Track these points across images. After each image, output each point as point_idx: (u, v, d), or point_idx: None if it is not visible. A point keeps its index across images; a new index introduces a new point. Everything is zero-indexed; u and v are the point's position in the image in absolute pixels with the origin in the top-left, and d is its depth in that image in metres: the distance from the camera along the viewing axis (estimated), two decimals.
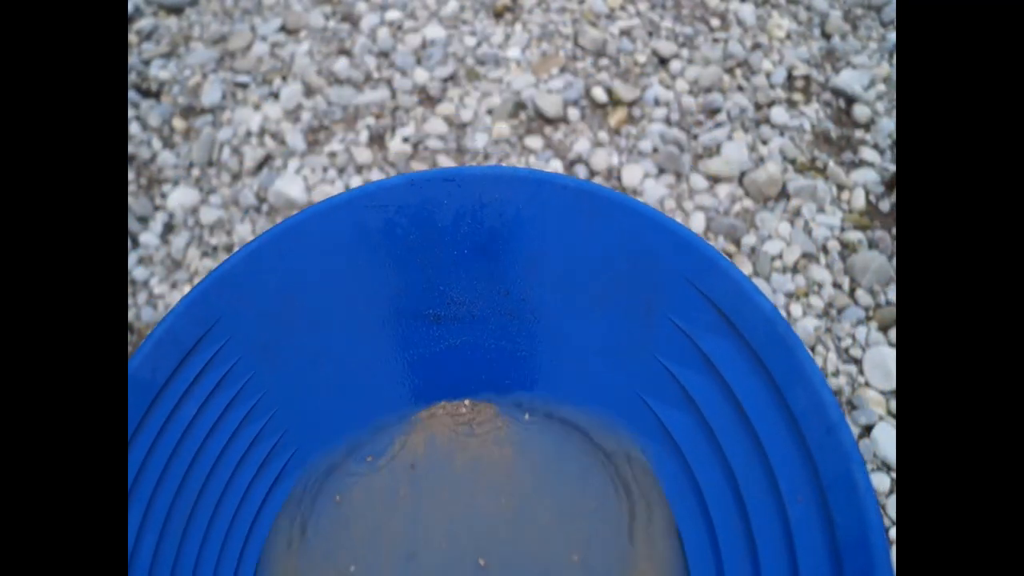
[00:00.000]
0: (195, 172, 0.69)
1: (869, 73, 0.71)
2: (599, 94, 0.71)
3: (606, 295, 0.33)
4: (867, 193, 0.63)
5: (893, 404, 0.49)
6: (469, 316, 0.35)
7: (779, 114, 0.68)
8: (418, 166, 0.68)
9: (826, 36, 0.75)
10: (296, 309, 0.33)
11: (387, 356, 0.35)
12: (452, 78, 0.73)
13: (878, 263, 0.58)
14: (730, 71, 0.72)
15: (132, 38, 0.80)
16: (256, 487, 0.33)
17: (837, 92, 0.70)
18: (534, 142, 0.67)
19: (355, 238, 0.33)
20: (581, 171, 0.66)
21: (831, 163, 0.65)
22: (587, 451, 0.34)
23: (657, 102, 0.70)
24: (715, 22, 0.77)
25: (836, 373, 0.53)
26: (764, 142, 0.67)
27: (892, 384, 0.50)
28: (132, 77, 0.76)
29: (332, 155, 0.68)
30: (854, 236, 0.60)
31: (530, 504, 0.33)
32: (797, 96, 0.70)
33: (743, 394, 0.29)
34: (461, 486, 0.34)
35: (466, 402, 0.36)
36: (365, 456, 0.35)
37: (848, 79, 0.70)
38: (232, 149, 0.70)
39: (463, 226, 0.33)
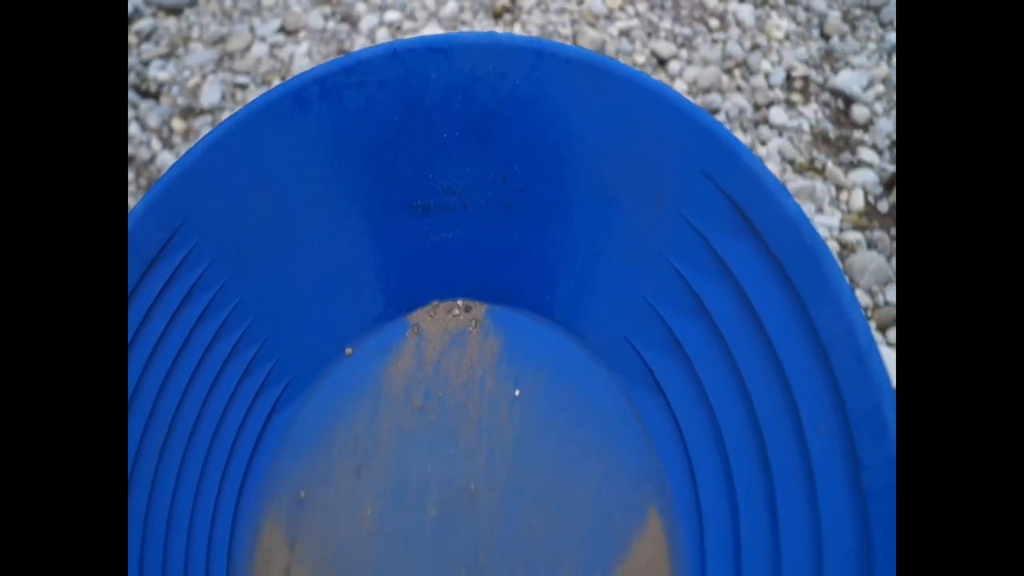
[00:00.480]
0: None
1: (868, 74, 0.71)
2: None
3: (612, 185, 0.29)
4: (866, 194, 0.63)
5: None
6: (461, 206, 0.31)
7: (778, 115, 0.68)
8: None
9: (825, 37, 0.76)
10: (269, 204, 0.29)
11: (371, 252, 0.32)
12: None
13: (876, 263, 0.58)
14: (729, 72, 0.73)
15: (131, 39, 0.80)
16: (237, 400, 0.30)
17: (836, 93, 0.70)
18: None
19: (332, 120, 0.29)
20: None
21: (830, 164, 0.65)
22: (590, 367, 0.31)
23: None
24: (714, 23, 0.77)
25: None
26: (763, 142, 0.67)
27: (891, 384, 0.50)
28: (131, 78, 0.76)
29: None
30: (853, 236, 0.60)
31: (529, 421, 0.30)
32: (796, 97, 0.70)
33: (762, 306, 0.25)
34: (449, 412, 0.31)
35: (459, 302, 0.33)
36: (349, 368, 0.32)
37: (847, 80, 0.70)
38: None
39: (453, 104, 0.29)
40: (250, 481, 0.30)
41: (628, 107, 0.28)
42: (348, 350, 0.32)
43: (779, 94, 0.70)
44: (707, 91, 0.71)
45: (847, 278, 0.59)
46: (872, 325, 0.56)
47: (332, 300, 0.32)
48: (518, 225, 0.32)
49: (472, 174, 0.31)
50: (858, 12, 0.78)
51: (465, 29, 0.78)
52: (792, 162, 0.65)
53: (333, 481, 0.30)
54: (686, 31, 0.76)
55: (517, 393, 0.31)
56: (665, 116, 0.27)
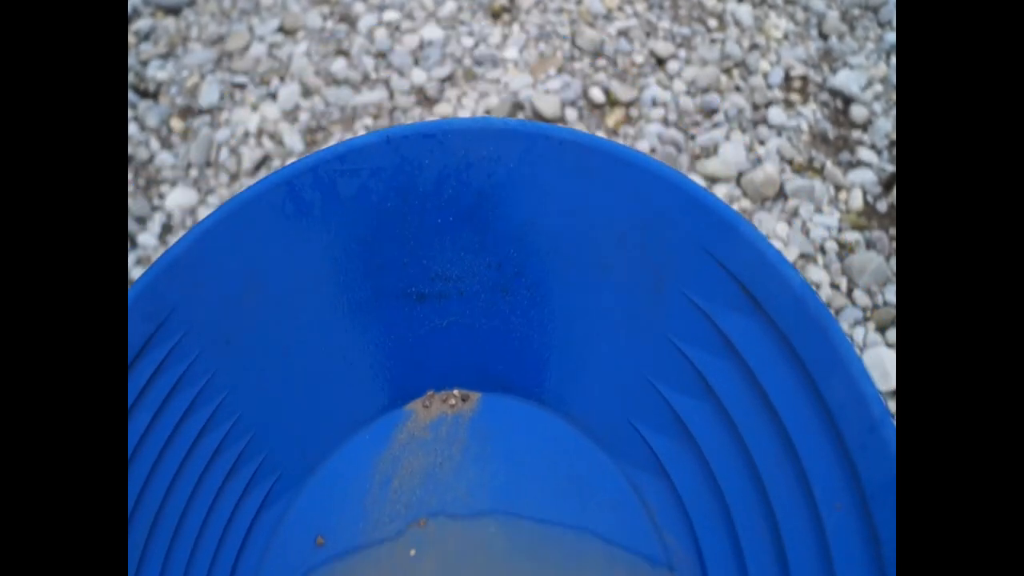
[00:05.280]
0: (193, 173, 0.69)
1: (866, 73, 0.71)
2: (596, 94, 0.71)
3: (611, 266, 0.29)
4: (864, 193, 0.63)
5: (892, 404, 0.49)
6: (456, 293, 0.31)
7: (776, 114, 0.68)
8: None
9: (823, 36, 0.76)
10: (260, 294, 0.29)
11: (364, 342, 0.31)
12: (450, 79, 0.74)
13: (875, 263, 0.58)
14: (727, 71, 0.73)
15: (130, 39, 0.80)
16: (224, 497, 0.29)
17: (834, 92, 0.70)
18: None
19: (324, 208, 0.29)
20: None
21: (828, 163, 0.65)
22: (592, 454, 0.30)
23: (654, 102, 0.70)
24: (712, 23, 0.77)
25: None
26: (761, 142, 0.67)
27: (890, 384, 0.50)
28: (130, 78, 0.76)
29: None
30: (851, 236, 0.61)
31: (530, 516, 0.30)
32: (794, 96, 0.70)
33: (769, 383, 0.25)
34: (443, 511, 0.30)
35: (455, 392, 0.33)
36: (339, 463, 0.31)
37: (845, 79, 0.70)
38: (230, 150, 0.70)
39: (447, 190, 0.29)
40: None
41: (625, 187, 0.27)
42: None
43: (778, 94, 0.70)
44: (705, 91, 0.71)
45: (846, 278, 0.59)
46: (871, 326, 0.56)
47: (323, 391, 0.31)
48: (515, 310, 0.31)
49: (467, 259, 0.30)
50: (856, 12, 0.78)
51: (463, 29, 0.78)
52: (791, 162, 0.65)
53: None
54: (684, 31, 0.76)
55: (516, 486, 0.30)
56: (663, 194, 0.27)
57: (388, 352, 0.32)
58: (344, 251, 0.30)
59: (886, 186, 0.63)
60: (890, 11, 0.77)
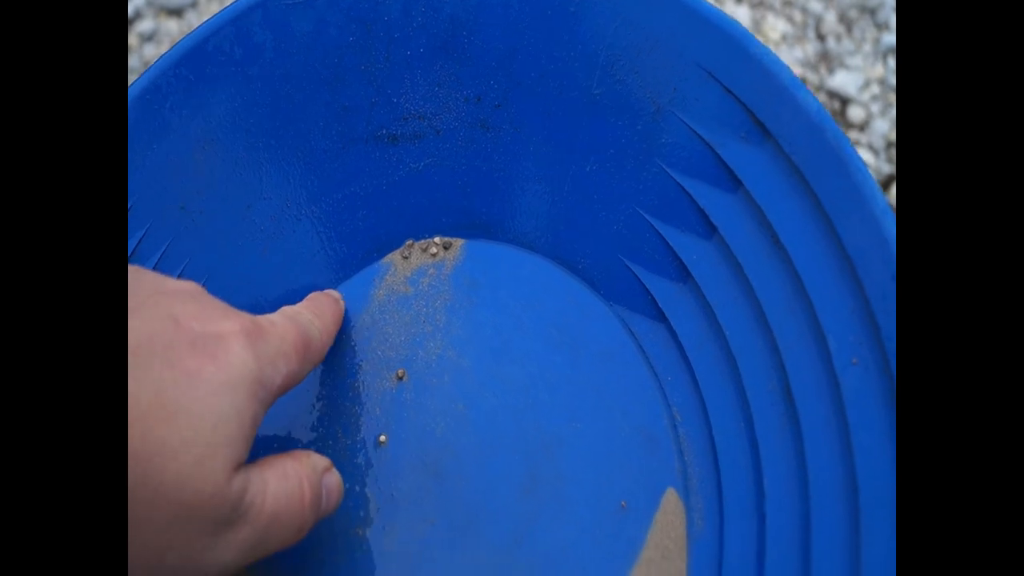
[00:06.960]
0: None
1: (863, 75, 0.72)
2: None
3: (602, 94, 0.26)
4: None
5: None
6: (432, 132, 0.29)
7: None
8: None
9: (820, 38, 0.76)
10: (213, 152, 0.27)
11: (333, 193, 0.29)
12: None
13: None
14: None
15: (133, 40, 0.80)
16: None
17: (832, 94, 0.71)
18: None
19: (277, 49, 0.26)
20: None
21: None
22: (585, 300, 0.28)
23: None
24: None
25: None
26: None
27: None
28: (133, 79, 0.76)
29: None
30: None
31: (520, 367, 0.28)
32: None
33: (780, 221, 0.22)
34: (429, 368, 0.28)
35: (436, 240, 0.30)
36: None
37: (843, 81, 0.71)
38: None
39: (416, 16, 0.26)
40: None
41: (617, 4, 0.25)
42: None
43: None
44: None
45: None
46: None
47: (292, 249, 0.29)
48: (497, 148, 0.29)
49: (442, 94, 0.28)
50: (854, 14, 0.78)
51: None
52: None
53: (298, 446, 0.28)
54: None
55: (504, 338, 0.28)
56: (661, 10, 0.24)
57: (360, 201, 0.29)
58: (304, 95, 0.27)
59: (884, 186, 0.64)
60: (887, 13, 0.77)
